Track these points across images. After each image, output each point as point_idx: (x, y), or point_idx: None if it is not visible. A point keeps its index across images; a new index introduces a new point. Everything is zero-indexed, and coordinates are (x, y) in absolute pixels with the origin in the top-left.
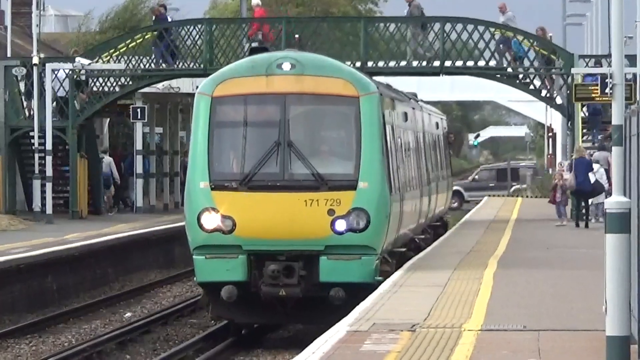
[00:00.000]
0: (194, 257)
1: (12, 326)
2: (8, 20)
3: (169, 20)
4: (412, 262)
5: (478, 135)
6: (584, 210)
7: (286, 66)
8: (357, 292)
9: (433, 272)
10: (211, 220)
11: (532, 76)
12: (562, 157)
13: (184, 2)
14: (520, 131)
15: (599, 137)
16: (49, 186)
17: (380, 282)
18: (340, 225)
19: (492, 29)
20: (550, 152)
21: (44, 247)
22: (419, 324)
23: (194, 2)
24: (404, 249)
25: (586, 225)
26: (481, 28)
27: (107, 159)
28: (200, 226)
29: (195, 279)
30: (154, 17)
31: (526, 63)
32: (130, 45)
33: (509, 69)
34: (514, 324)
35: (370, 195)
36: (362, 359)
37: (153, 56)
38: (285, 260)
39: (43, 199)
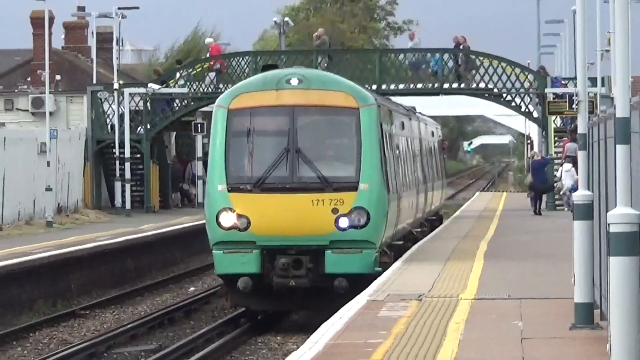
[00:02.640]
0: (213, 252)
1: (99, 299)
2: (94, 54)
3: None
4: (419, 245)
5: (471, 143)
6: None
7: (294, 81)
8: (359, 281)
9: (435, 253)
10: (228, 219)
11: (513, 95)
12: None
13: (235, 35)
14: (505, 139)
15: (569, 128)
16: (127, 186)
17: (379, 273)
18: (343, 222)
19: (481, 58)
20: (529, 155)
21: (124, 235)
22: (425, 294)
23: (244, 34)
24: (401, 242)
25: (539, 213)
26: (472, 57)
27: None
28: (219, 224)
29: (215, 271)
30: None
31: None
32: (191, 73)
33: (495, 90)
34: (501, 293)
35: (370, 195)
36: (380, 322)
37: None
38: (295, 254)
39: (123, 196)
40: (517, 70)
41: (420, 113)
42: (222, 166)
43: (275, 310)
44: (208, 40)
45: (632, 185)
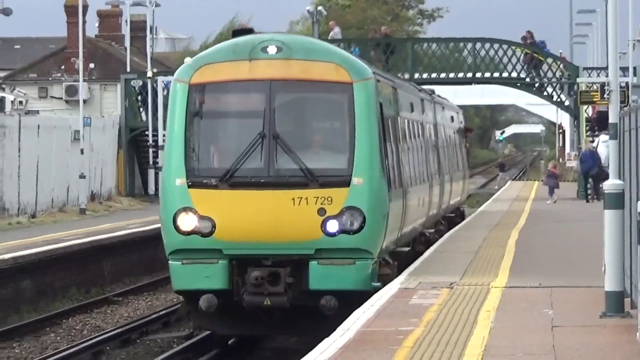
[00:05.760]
0: (169, 262)
1: (132, 286)
2: (127, 43)
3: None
4: (451, 233)
5: (503, 132)
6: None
7: (272, 50)
8: (351, 300)
9: (467, 241)
10: (188, 222)
11: (546, 84)
12: (570, 149)
13: (269, 26)
14: (537, 128)
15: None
16: (160, 174)
17: (377, 289)
18: (332, 226)
19: (513, 47)
20: (560, 144)
21: (157, 222)
22: (456, 282)
23: (272, 25)
24: (408, 248)
25: (587, 201)
26: (505, 46)
27: None
28: (176, 228)
29: (172, 287)
30: None
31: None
32: None
33: (527, 79)
34: (532, 282)
35: (366, 193)
36: (411, 310)
37: None
38: (271, 266)
39: (156, 184)
40: (550, 59)
41: (438, 96)
42: (181, 155)
43: (246, 335)
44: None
45: None
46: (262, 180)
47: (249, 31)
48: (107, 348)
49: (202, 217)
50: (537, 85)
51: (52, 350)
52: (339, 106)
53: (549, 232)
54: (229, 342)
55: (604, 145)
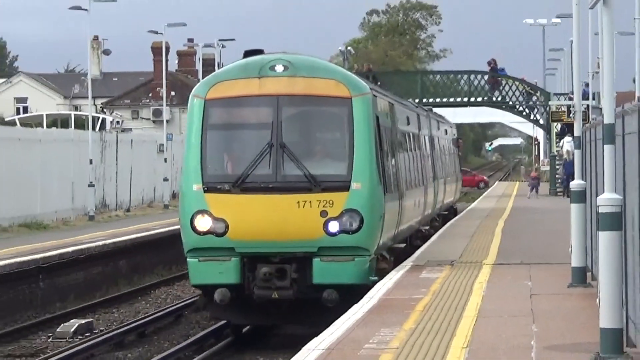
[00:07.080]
0: (187, 259)
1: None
2: (200, 76)
3: None
4: (451, 222)
5: (491, 143)
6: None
7: (279, 68)
8: (351, 293)
9: (465, 228)
10: (204, 223)
11: (524, 106)
12: (543, 157)
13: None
14: (517, 141)
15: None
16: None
17: (375, 282)
18: (333, 226)
19: (500, 79)
20: (536, 153)
21: None
22: (456, 261)
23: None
24: (404, 245)
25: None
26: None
27: None
28: (194, 229)
29: (190, 281)
30: None
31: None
32: None
33: (510, 102)
34: (515, 260)
35: (363, 196)
36: (421, 282)
37: None
38: (278, 263)
39: None
40: (520, 83)
41: (434, 113)
42: (198, 163)
43: (257, 324)
44: None
45: (616, 176)
46: (270, 186)
47: (259, 52)
48: (186, 312)
49: (216, 219)
50: (517, 107)
51: (144, 314)
52: (339, 119)
53: (528, 221)
54: (243, 331)
55: (569, 145)
